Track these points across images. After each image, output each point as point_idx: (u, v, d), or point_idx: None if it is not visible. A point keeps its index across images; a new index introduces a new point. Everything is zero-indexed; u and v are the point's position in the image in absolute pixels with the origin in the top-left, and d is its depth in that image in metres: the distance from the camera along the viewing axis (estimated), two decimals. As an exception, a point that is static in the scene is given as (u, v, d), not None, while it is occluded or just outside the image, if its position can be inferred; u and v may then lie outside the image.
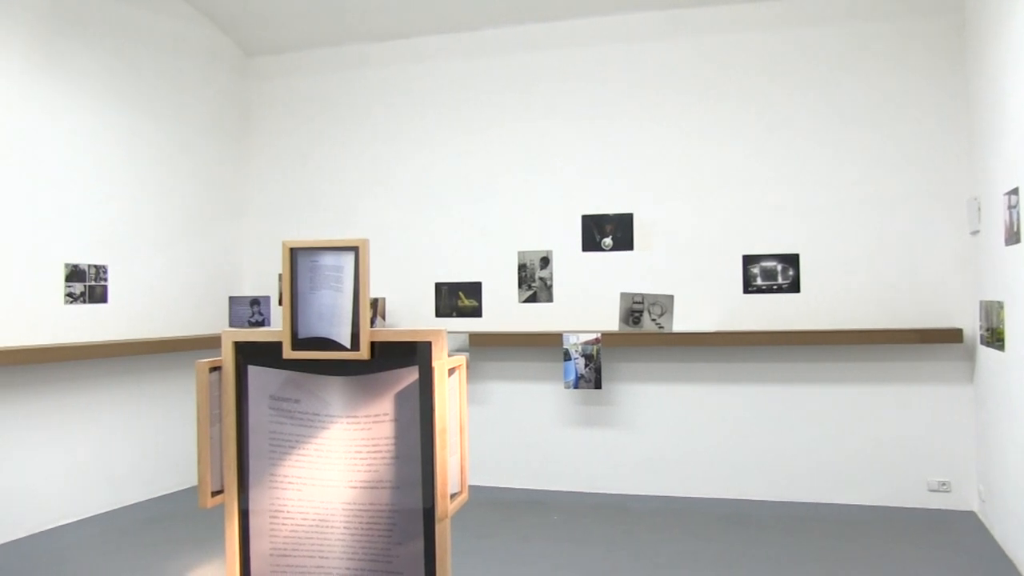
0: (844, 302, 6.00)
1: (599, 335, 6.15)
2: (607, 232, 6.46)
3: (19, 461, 5.47)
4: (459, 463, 2.83)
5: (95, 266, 6.00)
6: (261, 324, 7.08)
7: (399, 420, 2.78)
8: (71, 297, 5.82)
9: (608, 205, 6.49)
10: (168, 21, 6.73)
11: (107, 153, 6.17)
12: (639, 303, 6.20)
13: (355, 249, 2.74)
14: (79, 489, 5.87)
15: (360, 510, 2.82)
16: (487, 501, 6.14)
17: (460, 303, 6.84)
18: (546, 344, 6.38)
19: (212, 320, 7.04)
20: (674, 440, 6.32)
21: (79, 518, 5.84)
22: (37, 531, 5.54)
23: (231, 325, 7.08)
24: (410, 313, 6.95)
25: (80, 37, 5.98)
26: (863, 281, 5.97)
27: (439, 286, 6.91)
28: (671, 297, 6.17)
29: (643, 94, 6.47)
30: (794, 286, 6.10)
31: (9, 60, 5.49)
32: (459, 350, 6.21)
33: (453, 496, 2.74)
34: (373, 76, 7.20)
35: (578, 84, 6.62)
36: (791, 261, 6.11)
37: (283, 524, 2.88)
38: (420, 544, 2.78)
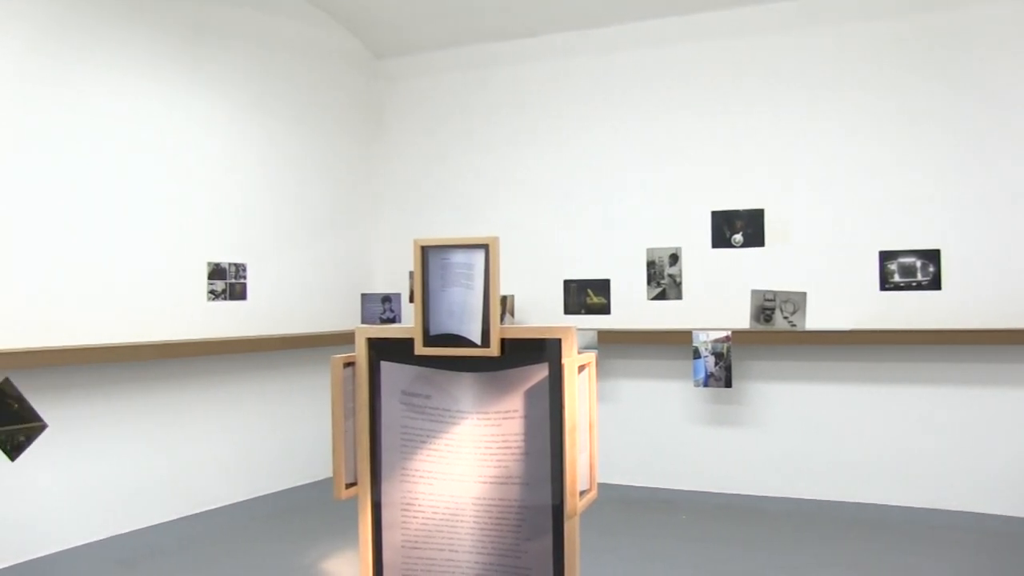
0: (991, 300, 5.69)
1: (729, 333, 6.03)
2: (737, 228, 6.33)
3: (168, 449, 5.76)
4: (588, 460, 2.82)
5: (235, 265, 6.25)
6: (392, 321, 7.23)
7: (529, 417, 2.79)
8: (213, 294, 6.08)
9: (738, 200, 6.35)
10: (301, 27, 6.94)
11: (245, 157, 6.41)
12: (771, 300, 6.04)
13: (485, 247, 2.76)
14: (221, 478, 6.13)
15: (490, 505, 2.84)
16: (615, 499, 6.11)
17: (588, 300, 6.82)
18: (675, 342, 6.30)
19: (345, 317, 7.23)
20: (806, 441, 6.14)
21: (222, 504, 6.10)
22: (185, 515, 5.82)
23: (363, 322, 7.25)
24: (538, 310, 6.97)
25: (220, 46, 6.23)
26: (1012, 277, 5.66)
27: (568, 283, 6.91)
28: (804, 294, 5.99)
29: (775, 86, 6.30)
30: (935, 283, 5.82)
31: (157, 70, 5.76)
32: (588, 347, 6.19)
33: (582, 493, 2.73)
34: (501, 75, 7.25)
35: (707, 78, 6.50)
36: (931, 257, 5.83)
37: (414, 517, 2.93)
38: (549, 540, 2.78)
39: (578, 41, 6.94)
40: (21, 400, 4.85)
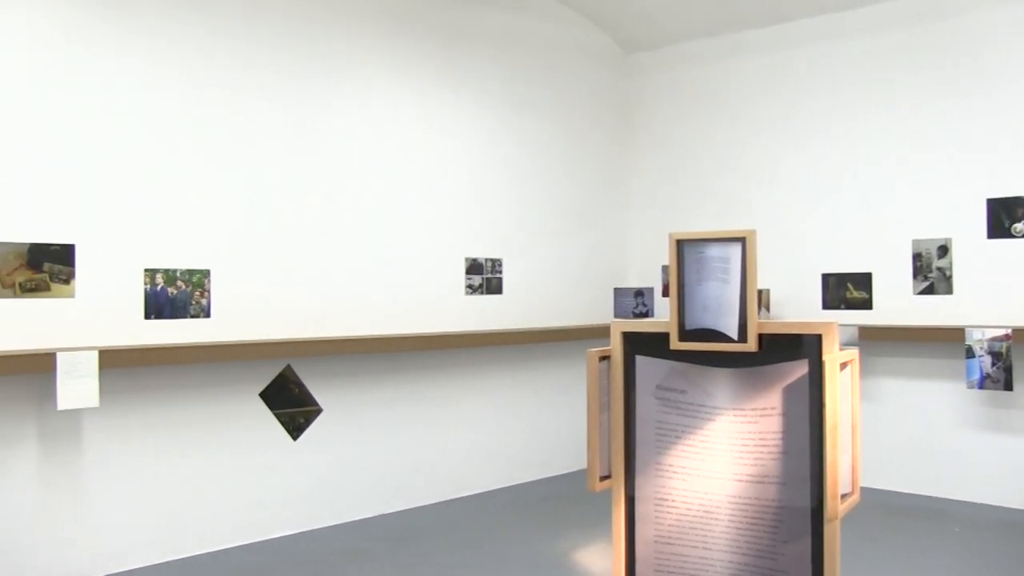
0: None
1: (1010, 331, 5.55)
2: (1018, 216, 5.80)
3: (427, 435, 6.08)
4: (850, 462, 2.69)
5: (491, 260, 6.48)
6: (645, 315, 7.23)
7: (787, 415, 2.70)
8: (471, 288, 6.34)
9: (1019, 186, 5.82)
10: (550, 25, 7.08)
11: (499, 156, 6.62)
12: (1059, 296, 5.51)
13: (742, 240, 2.70)
14: (476, 465, 6.38)
15: (745, 504, 2.78)
16: (878, 505, 5.79)
17: (848, 295, 6.50)
18: (945, 339, 5.88)
19: (598, 311, 7.31)
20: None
21: (477, 491, 6.36)
22: (443, 499, 6.11)
23: (616, 316, 7.30)
24: (795, 305, 6.73)
25: (472, 49, 6.48)
26: None
27: (826, 277, 6.62)
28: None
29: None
30: None
31: (415, 76, 6.09)
32: (849, 344, 5.91)
33: (844, 496, 2.62)
34: (754, 64, 7.05)
35: (979, 55, 6.00)
36: None
37: (668, 512, 2.92)
38: (807, 544, 2.68)
39: (835, 23, 6.62)
40: (300, 385, 5.28)
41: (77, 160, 4.54)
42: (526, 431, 6.76)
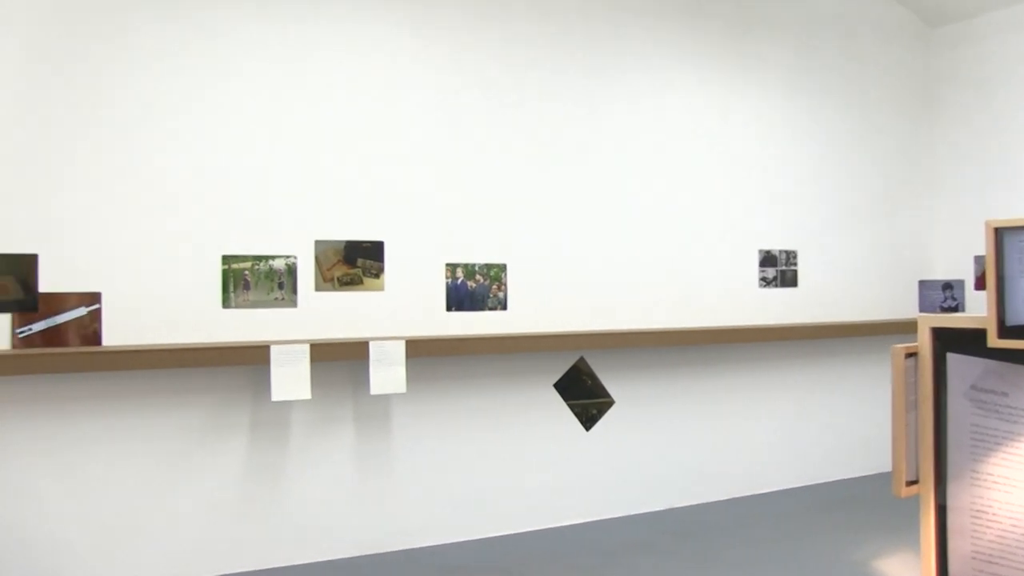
0: None
1: None
2: None
3: (719, 430, 5.99)
4: None
5: (786, 252, 6.25)
6: (954, 310, 6.68)
7: None
8: (764, 281, 6.15)
9: None
10: (847, 5, 6.70)
11: (792, 143, 6.38)
12: None
13: (1077, 226, 2.42)
14: (769, 463, 6.19)
15: (1081, 522, 2.48)
16: None
17: None
18: None
19: (899, 304, 6.85)
20: None
21: (770, 489, 6.17)
22: (734, 496, 5.99)
23: (921, 310, 6.81)
24: None
25: (766, 36, 6.27)
26: None
27: None
28: None
29: None
30: None
31: (708, 69, 5.99)
32: None
33: None
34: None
35: None
36: None
37: (988, 527, 2.67)
38: None
39: None
40: (593, 377, 5.36)
41: (385, 164, 4.89)
42: (823, 429, 6.46)
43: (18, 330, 4.04)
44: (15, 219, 4.04)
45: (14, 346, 4.02)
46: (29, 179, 4.08)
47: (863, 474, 6.61)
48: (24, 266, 4.05)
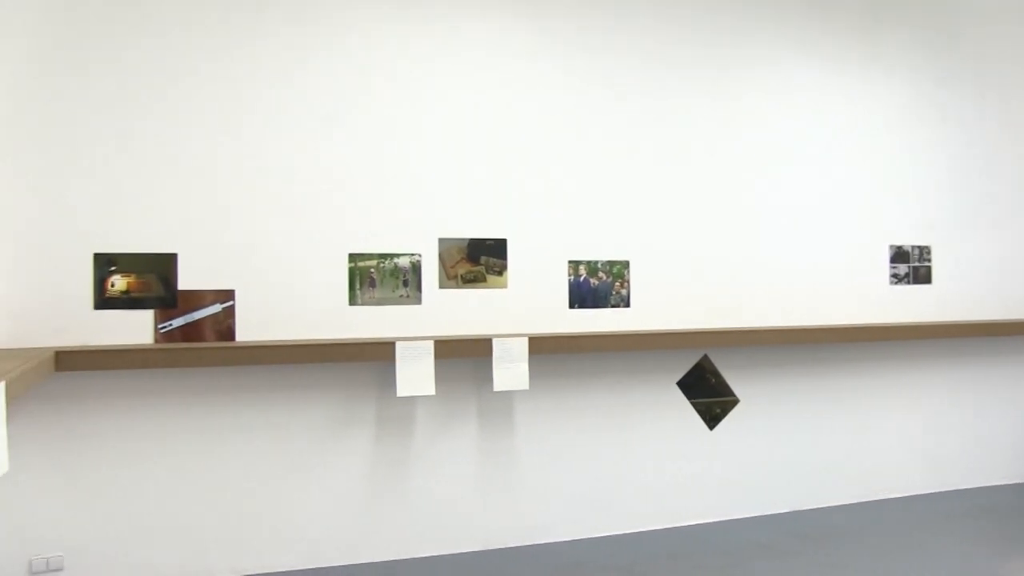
0: None
1: None
2: None
3: (846, 431, 5.82)
4: None
5: (919, 247, 6.01)
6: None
7: None
8: (895, 278, 5.93)
9: None
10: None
11: (923, 133, 6.12)
12: None
13: None
14: (902, 466, 5.97)
15: None
16: None
17: None
18: None
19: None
20: None
21: (902, 494, 5.96)
22: (862, 500, 5.80)
23: (1070, 309, 6.45)
24: None
25: (896, 26, 6.06)
26: None
27: None
28: None
29: None
30: None
31: (838, 62, 5.81)
32: None
33: None
34: None
35: None
36: None
37: None
38: None
39: None
40: (717, 375, 5.31)
41: (509, 162, 4.95)
42: (961, 434, 6.19)
43: (160, 325, 4.26)
44: (156, 220, 4.27)
45: (156, 340, 4.24)
46: (168, 183, 4.29)
47: (1008, 482, 6.30)
48: (164, 265, 4.27)
